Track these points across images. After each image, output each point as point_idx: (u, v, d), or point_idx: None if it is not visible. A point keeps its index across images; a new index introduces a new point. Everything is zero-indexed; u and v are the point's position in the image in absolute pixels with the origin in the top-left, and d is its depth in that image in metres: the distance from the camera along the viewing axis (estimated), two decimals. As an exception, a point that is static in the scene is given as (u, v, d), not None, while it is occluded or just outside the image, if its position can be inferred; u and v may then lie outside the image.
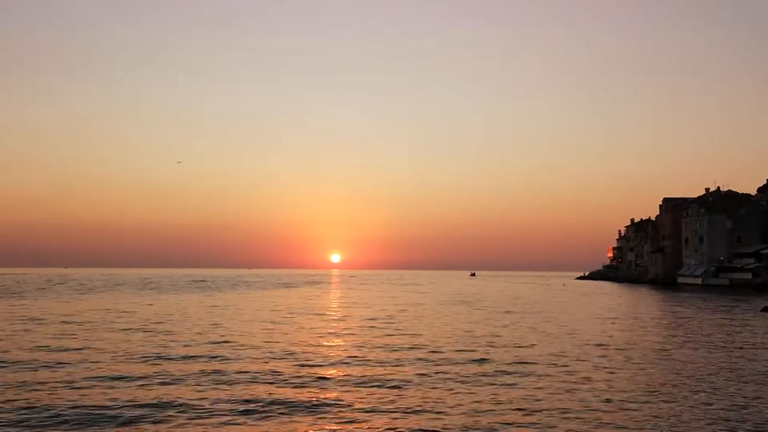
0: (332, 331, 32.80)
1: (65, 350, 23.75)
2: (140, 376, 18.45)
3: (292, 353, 23.62)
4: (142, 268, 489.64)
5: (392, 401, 15.53)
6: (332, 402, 15.47)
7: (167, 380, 17.86)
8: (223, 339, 27.72)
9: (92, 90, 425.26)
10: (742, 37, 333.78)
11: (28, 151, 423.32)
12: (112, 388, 16.78)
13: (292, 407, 14.86)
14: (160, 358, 22.07)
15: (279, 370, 19.86)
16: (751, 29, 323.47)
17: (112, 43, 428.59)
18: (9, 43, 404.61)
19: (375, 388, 17.13)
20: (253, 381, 17.96)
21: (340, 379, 18.51)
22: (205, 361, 21.38)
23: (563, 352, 24.88)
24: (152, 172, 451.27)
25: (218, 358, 22.02)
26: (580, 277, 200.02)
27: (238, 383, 17.57)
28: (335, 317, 42.04)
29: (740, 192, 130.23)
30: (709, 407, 15.26)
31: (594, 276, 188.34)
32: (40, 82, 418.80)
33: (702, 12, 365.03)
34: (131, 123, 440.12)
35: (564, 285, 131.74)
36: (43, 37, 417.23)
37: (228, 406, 14.77)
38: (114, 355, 22.61)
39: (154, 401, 15.15)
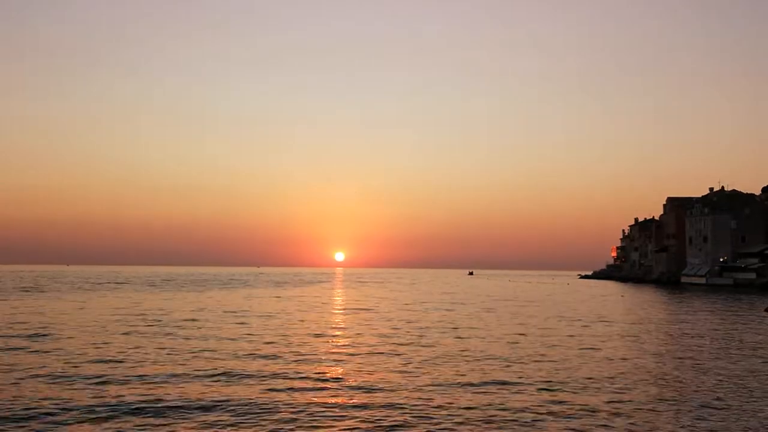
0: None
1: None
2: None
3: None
4: (145, 266, 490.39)
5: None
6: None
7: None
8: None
9: (102, 87, 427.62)
10: (748, 36, 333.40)
11: (35, 148, 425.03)
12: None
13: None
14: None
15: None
16: (757, 28, 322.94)
17: (123, 39, 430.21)
18: (12, 39, 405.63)
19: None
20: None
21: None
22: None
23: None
24: (163, 169, 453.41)
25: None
26: (584, 276, 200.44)
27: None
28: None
29: (744, 192, 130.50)
30: (716, 409, 15.85)
31: (598, 275, 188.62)
32: (49, 79, 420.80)
33: (708, 10, 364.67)
34: (142, 121, 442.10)
35: (568, 284, 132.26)
36: (48, 33, 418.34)
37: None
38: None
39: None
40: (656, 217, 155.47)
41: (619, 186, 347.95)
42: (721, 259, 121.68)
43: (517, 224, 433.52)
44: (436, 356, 23.81)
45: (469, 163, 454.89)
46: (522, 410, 15.25)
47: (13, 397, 15.97)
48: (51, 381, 18.09)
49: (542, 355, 24.62)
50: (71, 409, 14.72)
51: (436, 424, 13.96)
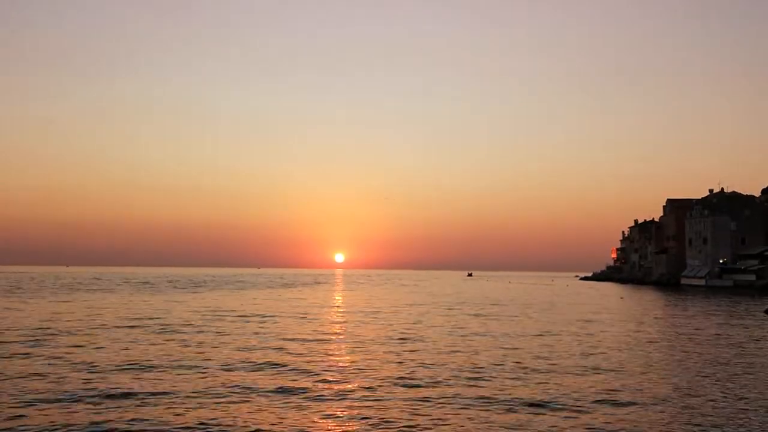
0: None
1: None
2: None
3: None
4: (145, 266, 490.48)
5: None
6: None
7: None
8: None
9: (103, 87, 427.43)
10: (748, 36, 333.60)
11: (35, 148, 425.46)
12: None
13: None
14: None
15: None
16: (757, 28, 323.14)
17: (123, 39, 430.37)
18: (12, 40, 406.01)
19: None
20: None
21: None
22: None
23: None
24: (163, 170, 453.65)
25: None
26: (584, 278, 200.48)
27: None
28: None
29: (744, 193, 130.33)
30: (713, 410, 15.68)
31: (597, 277, 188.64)
32: (49, 79, 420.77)
33: (708, 10, 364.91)
34: (143, 121, 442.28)
35: (567, 286, 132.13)
36: (48, 33, 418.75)
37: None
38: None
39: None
40: (656, 219, 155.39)
41: (619, 186, 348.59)
42: (721, 261, 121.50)
43: (517, 225, 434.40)
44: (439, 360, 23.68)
45: (469, 163, 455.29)
46: (520, 412, 15.11)
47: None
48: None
49: (540, 359, 24.44)
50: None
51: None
